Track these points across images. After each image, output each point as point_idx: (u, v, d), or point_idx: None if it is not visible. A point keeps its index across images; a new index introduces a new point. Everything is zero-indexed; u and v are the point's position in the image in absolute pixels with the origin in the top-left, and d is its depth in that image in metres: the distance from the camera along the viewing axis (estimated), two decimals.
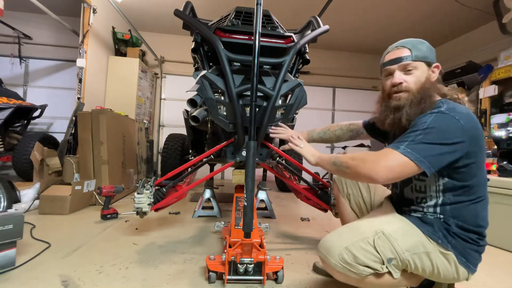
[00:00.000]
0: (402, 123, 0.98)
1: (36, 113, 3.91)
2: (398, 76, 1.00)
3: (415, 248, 0.91)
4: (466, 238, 0.93)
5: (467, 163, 0.90)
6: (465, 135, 0.87)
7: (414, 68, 0.99)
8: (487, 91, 3.64)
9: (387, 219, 1.01)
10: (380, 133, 1.28)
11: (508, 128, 2.94)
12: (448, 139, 0.86)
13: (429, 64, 1.01)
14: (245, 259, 1.15)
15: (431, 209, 0.97)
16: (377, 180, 0.88)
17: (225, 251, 1.18)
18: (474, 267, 0.94)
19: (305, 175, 1.89)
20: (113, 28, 4.22)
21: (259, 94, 1.49)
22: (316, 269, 1.40)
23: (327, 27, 1.77)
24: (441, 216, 0.95)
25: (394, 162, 0.87)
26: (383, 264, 0.90)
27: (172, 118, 5.49)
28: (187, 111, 2.71)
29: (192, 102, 1.51)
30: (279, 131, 1.54)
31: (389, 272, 0.91)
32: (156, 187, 1.64)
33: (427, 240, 0.93)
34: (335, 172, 1.05)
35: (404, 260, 0.90)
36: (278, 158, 1.95)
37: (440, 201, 0.96)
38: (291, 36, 1.69)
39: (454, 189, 0.94)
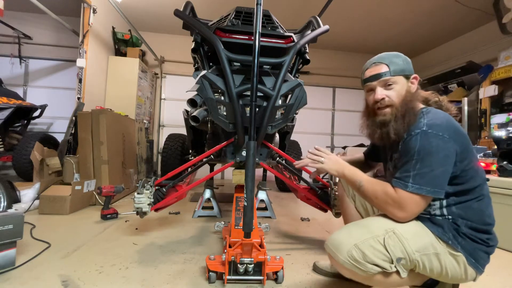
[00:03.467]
0: (391, 138, 1.01)
1: (36, 113, 3.92)
2: (380, 92, 1.03)
3: (425, 249, 0.92)
4: (475, 239, 0.93)
5: (463, 168, 0.93)
6: (455, 145, 0.90)
7: (394, 83, 1.01)
8: (487, 91, 3.64)
9: None
10: (377, 153, 1.31)
11: (508, 128, 2.94)
12: (445, 158, 0.89)
13: (407, 77, 1.04)
14: (245, 259, 1.15)
15: (437, 211, 0.98)
16: (402, 222, 0.95)
17: (225, 251, 1.19)
18: (482, 268, 0.94)
19: (305, 175, 1.89)
20: (113, 28, 4.22)
21: (259, 94, 1.49)
22: (316, 269, 1.40)
23: (327, 27, 1.77)
24: (450, 217, 0.96)
25: (413, 206, 0.91)
26: (392, 263, 0.90)
27: (172, 118, 5.49)
28: (187, 111, 2.71)
29: (192, 102, 1.51)
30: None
31: (397, 271, 0.91)
32: (156, 187, 1.64)
33: (437, 241, 0.93)
34: (359, 194, 1.07)
35: (413, 260, 0.91)
36: (278, 158, 1.95)
37: (445, 203, 0.96)
38: (291, 36, 1.69)
39: (455, 193, 0.95)
